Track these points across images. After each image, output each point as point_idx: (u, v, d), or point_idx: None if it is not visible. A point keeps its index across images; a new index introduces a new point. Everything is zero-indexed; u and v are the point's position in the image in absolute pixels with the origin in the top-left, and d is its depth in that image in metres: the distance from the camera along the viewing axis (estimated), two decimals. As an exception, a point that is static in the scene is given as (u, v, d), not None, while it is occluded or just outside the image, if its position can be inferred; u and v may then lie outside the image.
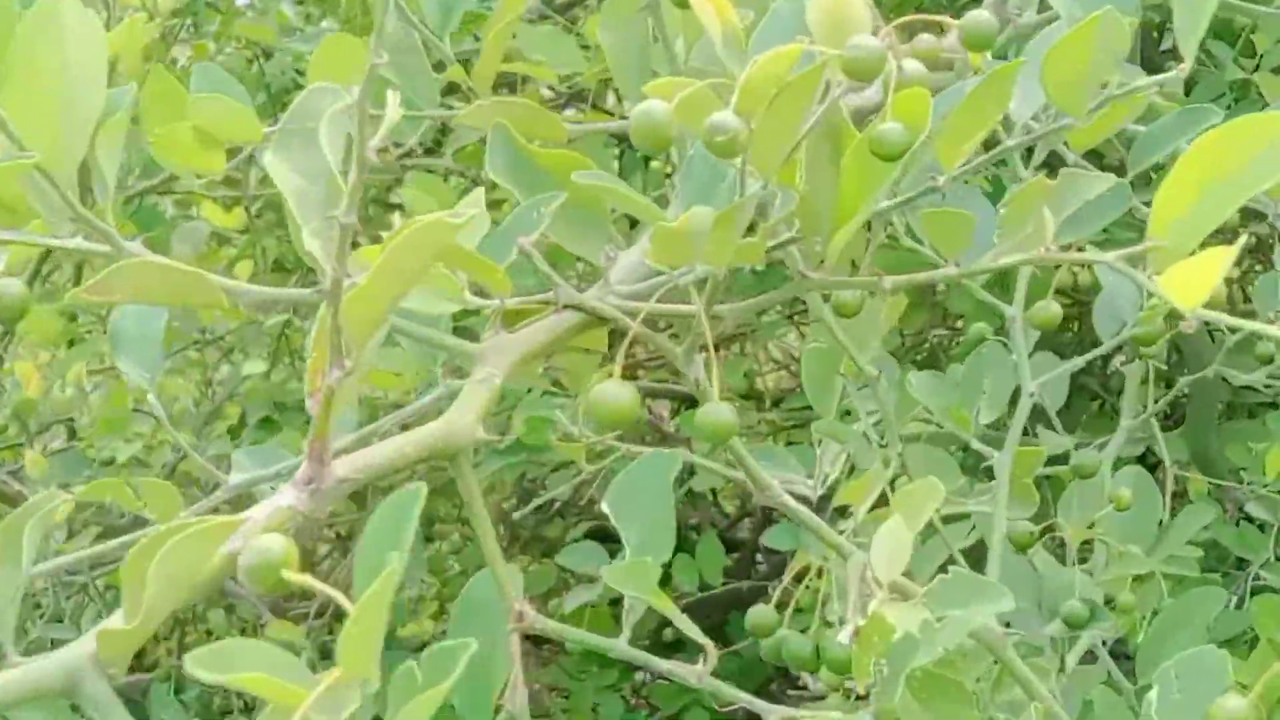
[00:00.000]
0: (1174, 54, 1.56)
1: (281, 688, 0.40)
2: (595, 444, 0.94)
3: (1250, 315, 1.07)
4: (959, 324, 1.83)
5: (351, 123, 0.48)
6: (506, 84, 1.47)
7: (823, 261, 0.63)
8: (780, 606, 0.81)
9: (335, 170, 0.51)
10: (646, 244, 0.73)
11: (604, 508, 0.64)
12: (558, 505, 2.28)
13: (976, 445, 0.86)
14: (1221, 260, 0.50)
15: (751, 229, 0.62)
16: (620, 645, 0.63)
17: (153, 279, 0.64)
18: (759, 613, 0.77)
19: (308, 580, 0.42)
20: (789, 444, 1.76)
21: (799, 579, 0.79)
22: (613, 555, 1.71)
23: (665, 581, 2.07)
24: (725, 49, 0.56)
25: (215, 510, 0.75)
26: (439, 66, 0.91)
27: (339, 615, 1.86)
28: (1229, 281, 1.70)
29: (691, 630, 0.61)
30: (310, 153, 0.53)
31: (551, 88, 1.53)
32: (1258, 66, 1.28)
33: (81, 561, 0.74)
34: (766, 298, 0.66)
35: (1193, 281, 0.52)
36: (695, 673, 0.62)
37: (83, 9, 0.62)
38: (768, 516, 2.21)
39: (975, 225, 0.72)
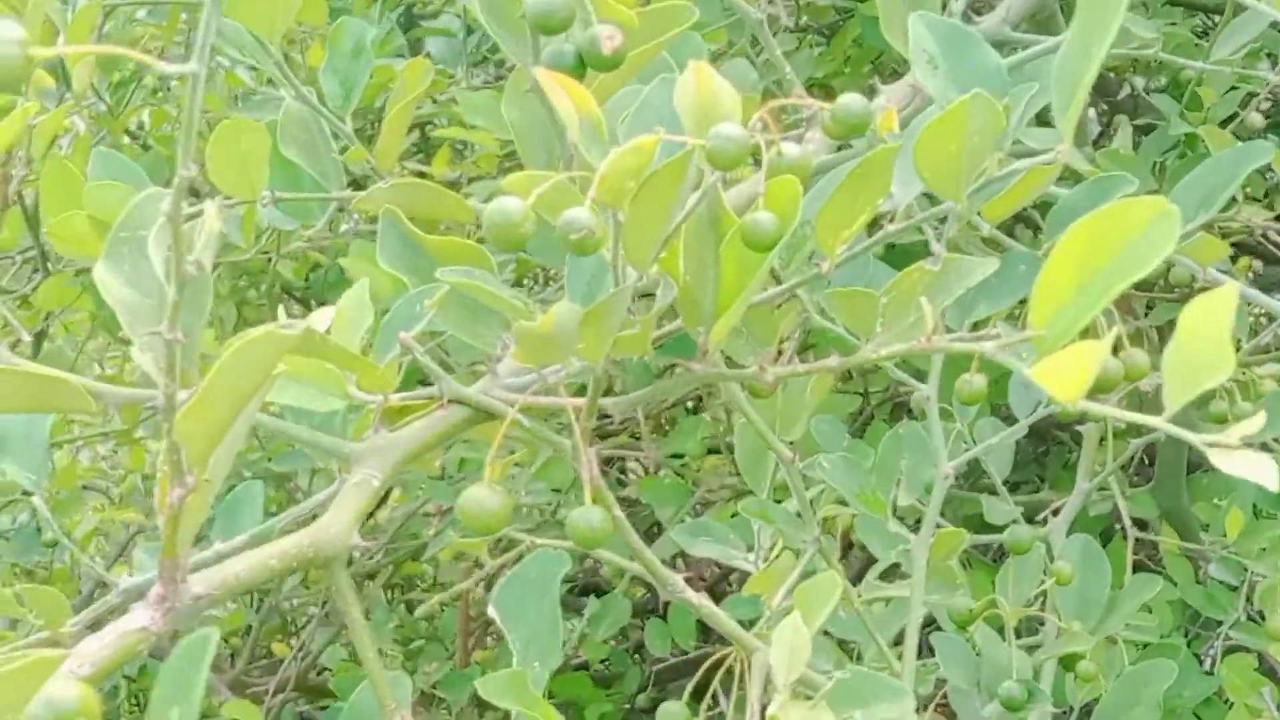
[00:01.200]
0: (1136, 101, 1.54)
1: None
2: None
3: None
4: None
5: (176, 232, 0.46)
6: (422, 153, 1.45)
7: (705, 353, 0.60)
8: (699, 693, 0.78)
9: (164, 282, 0.49)
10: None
11: (489, 610, 0.62)
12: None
13: (894, 529, 0.83)
14: (1095, 354, 0.48)
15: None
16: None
17: (14, 386, 0.61)
18: (668, 712, 0.74)
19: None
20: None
21: (717, 666, 0.76)
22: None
23: (642, 646, 2.03)
24: (584, 140, 0.54)
25: (97, 619, 0.73)
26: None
27: (301, 688, 1.82)
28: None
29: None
30: (141, 264, 0.51)
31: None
32: (1204, 120, 1.26)
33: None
34: (654, 389, 0.64)
35: (1070, 373, 0.49)
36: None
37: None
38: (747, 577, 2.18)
39: (879, 303, 0.70)
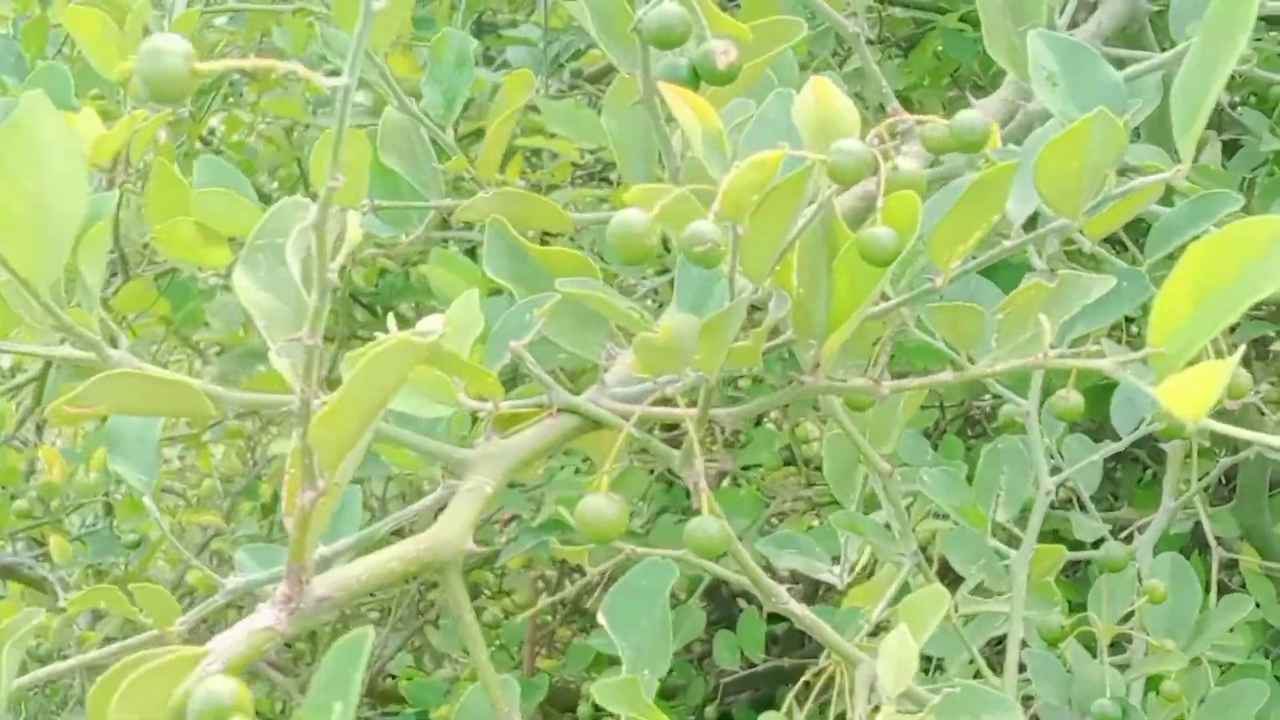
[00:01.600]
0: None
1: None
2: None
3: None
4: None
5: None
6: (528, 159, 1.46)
7: (817, 366, 0.61)
8: (771, 702, 0.79)
9: (301, 288, 0.50)
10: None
11: (600, 618, 0.62)
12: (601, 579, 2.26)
13: (993, 544, 0.83)
14: (1221, 374, 0.48)
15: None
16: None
17: (136, 389, 0.63)
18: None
19: (251, 730, 0.41)
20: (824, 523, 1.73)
21: (815, 674, 0.76)
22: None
23: (706, 657, 2.03)
24: (706, 153, 0.55)
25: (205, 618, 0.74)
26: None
27: (371, 694, 1.83)
28: None
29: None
30: (277, 270, 0.52)
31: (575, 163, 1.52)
32: (1295, 136, 1.25)
33: (70, 670, 0.72)
34: (764, 401, 0.64)
35: (1194, 393, 0.49)
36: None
37: (57, 116, 0.61)
38: (816, 587, 2.17)
39: (985, 319, 0.70)
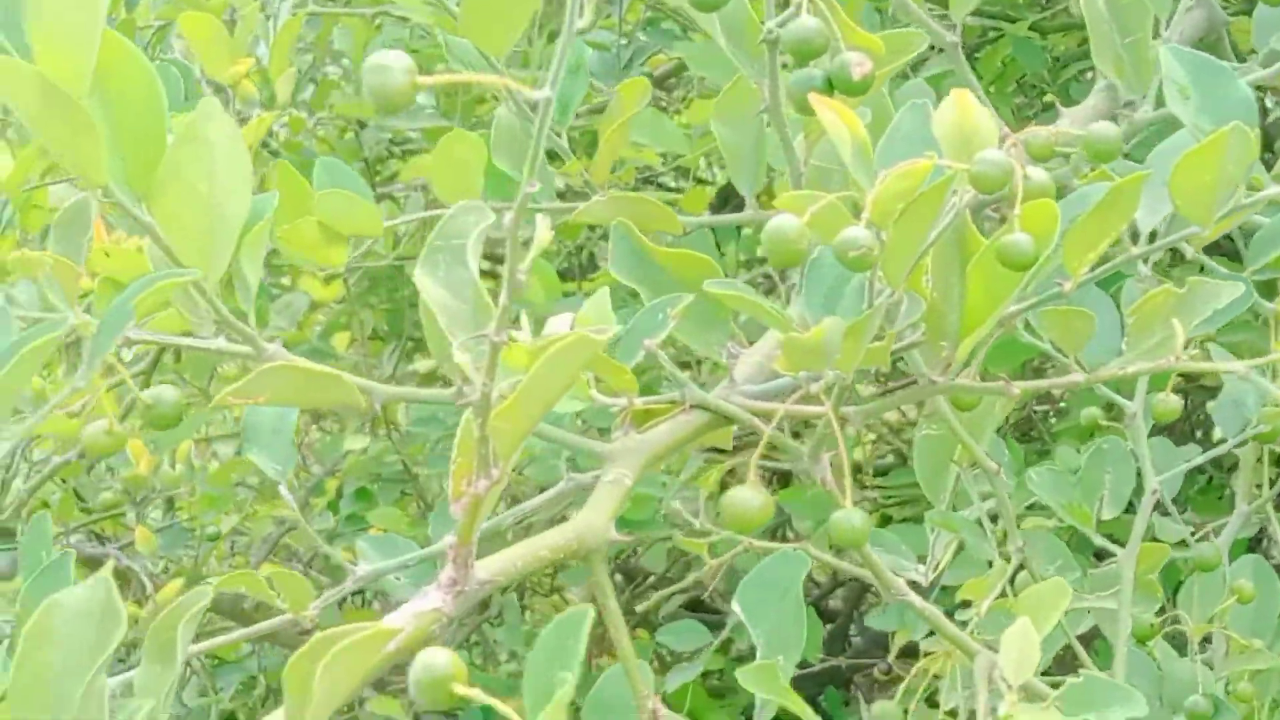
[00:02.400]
0: None
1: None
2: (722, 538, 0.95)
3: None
4: (1061, 401, 1.82)
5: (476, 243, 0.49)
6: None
7: (949, 365, 0.63)
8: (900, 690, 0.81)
9: (481, 288, 0.53)
10: (769, 346, 0.74)
11: (734, 606, 0.65)
12: (651, 578, 2.28)
13: (1100, 541, 0.86)
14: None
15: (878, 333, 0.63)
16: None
17: (294, 381, 0.66)
18: (883, 711, 0.77)
19: (479, 694, 0.43)
20: (886, 522, 1.75)
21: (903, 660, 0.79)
22: (712, 629, 1.72)
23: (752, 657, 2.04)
24: (854, 161, 0.58)
25: (344, 600, 0.77)
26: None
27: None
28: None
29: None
30: (455, 270, 0.55)
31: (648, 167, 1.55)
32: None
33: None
34: (893, 399, 0.67)
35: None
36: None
37: (226, 118, 0.64)
38: (865, 587, 2.19)
39: (1095, 323, 0.73)
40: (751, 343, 0.76)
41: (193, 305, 0.67)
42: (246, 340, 0.67)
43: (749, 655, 2.10)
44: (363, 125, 2.16)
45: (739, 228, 1.89)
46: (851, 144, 0.58)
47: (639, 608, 2.32)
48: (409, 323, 2.16)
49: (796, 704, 0.62)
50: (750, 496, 0.60)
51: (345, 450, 1.76)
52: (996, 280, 0.61)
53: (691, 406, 0.69)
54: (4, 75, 0.55)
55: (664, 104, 1.92)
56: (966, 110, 0.60)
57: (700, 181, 1.98)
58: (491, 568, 0.58)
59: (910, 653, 1.83)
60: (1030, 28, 1.58)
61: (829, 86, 0.66)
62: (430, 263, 0.55)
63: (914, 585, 1.05)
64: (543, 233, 0.49)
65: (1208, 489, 1.78)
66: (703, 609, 2.26)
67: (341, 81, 2.19)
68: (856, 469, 2.07)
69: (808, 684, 2.04)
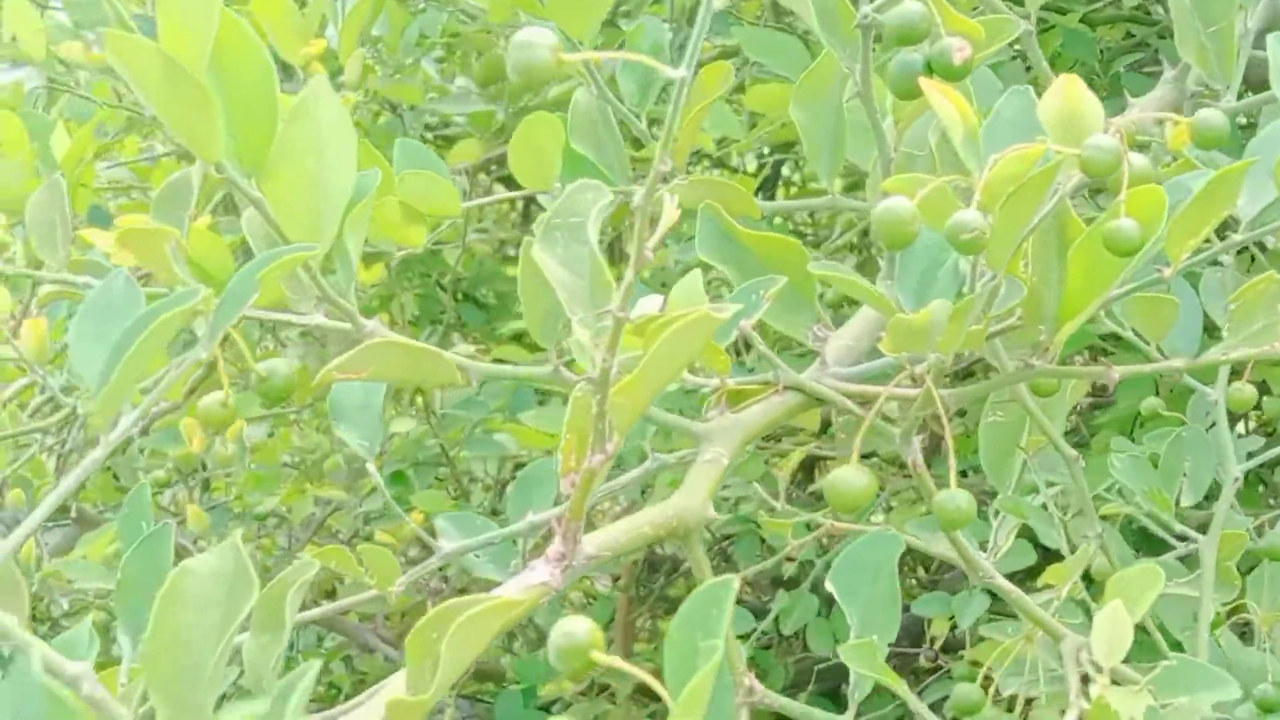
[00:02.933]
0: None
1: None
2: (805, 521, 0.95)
3: None
4: (1103, 392, 1.82)
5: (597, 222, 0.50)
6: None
7: (1047, 350, 0.64)
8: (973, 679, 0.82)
9: (603, 264, 0.54)
10: (858, 329, 0.75)
11: (828, 585, 0.66)
12: (686, 564, 2.29)
13: (1180, 528, 0.86)
14: None
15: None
16: (846, 722, 0.64)
17: (395, 357, 0.67)
18: (963, 692, 0.78)
19: (617, 662, 0.44)
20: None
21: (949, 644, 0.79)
22: (758, 616, 1.72)
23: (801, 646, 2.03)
24: (964, 146, 0.58)
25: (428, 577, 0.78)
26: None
27: (476, 674, 1.87)
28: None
29: (920, 708, 0.62)
30: (572, 247, 0.55)
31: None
32: None
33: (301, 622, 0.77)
34: (989, 384, 0.67)
35: None
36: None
37: (334, 95, 0.65)
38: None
39: (1179, 311, 0.73)
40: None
41: (294, 281, 0.68)
42: (347, 316, 0.68)
43: (775, 643, 2.09)
44: (394, 109, 2.17)
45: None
46: (963, 128, 0.58)
47: (671, 592, 2.33)
48: (448, 308, 2.18)
49: (894, 680, 0.63)
50: (855, 476, 0.61)
51: (391, 433, 1.76)
52: (1098, 266, 0.61)
53: (785, 388, 0.70)
54: (129, 53, 0.56)
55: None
56: (1074, 96, 0.60)
57: (728, 168, 1.98)
58: (598, 542, 0.59)
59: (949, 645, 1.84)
60: (1082, 19, 1.58)
61: (928, 71, 0.67)
62: (549, 240, 0.55)
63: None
64: (670, 211, 0.49)
65: (1252, 483, 1.78)
66: (739, 601, 2.27)
67: (377, 66, 2.20)
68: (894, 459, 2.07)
69: (841, 670, 2.05)
